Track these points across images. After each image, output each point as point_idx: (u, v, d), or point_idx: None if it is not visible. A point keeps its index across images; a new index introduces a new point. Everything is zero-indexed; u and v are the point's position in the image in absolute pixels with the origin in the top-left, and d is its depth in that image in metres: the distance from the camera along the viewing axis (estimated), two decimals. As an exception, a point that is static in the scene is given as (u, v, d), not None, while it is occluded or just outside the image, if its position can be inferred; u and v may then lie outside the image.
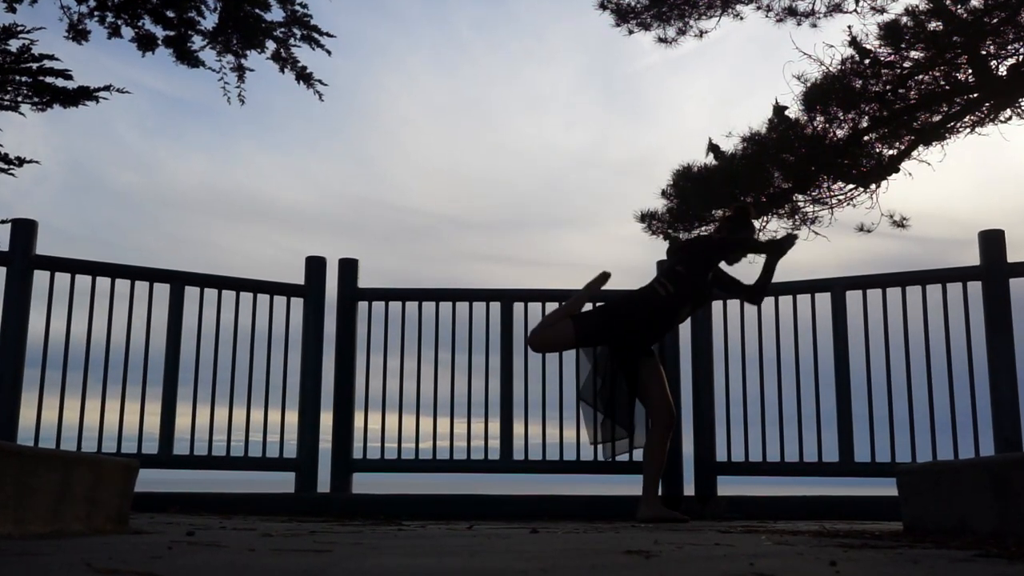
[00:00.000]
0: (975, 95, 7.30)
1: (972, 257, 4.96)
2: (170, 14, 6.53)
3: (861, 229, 7.84)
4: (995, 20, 7.00)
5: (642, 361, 4.45)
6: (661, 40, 8.20)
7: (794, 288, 5.23)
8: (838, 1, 7.75)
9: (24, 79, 6.18)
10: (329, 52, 6.82)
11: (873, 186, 7.66)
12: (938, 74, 7.33)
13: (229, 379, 5.23)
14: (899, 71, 7.33)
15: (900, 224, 7.84)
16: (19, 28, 6.03)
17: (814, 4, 7.84)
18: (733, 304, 5.28)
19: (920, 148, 7.54)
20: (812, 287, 5.20)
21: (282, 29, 6.73)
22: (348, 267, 5.53)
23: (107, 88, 6.40)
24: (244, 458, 5.22)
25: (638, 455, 4.69)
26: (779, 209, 7.79)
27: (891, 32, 7.22)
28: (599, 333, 4.54)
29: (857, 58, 7.38)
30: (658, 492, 4.36)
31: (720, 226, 4.92)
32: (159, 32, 6.64)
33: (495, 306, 5.43)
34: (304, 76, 6.86)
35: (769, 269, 4.68)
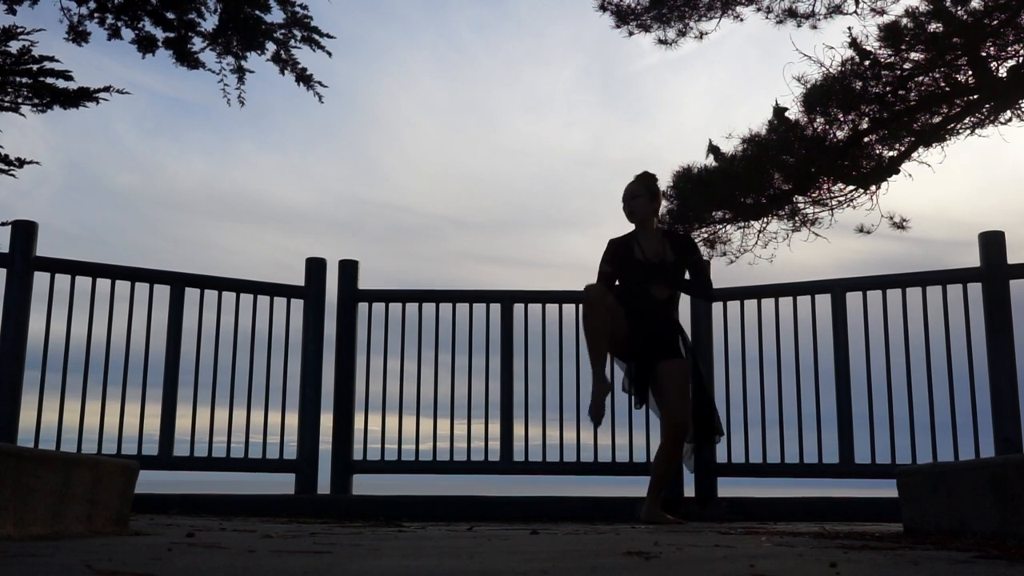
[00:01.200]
0: (975, 97, 7.30)
1: (972, 258, 4.96)
2: (170, 16, 6.54)
3: (861, 230, 7.83)
4: (995, 22, 6.99)
5: (659, 364, 4.31)
6: (661, 41, 8.20)
7: (794, 289, 5.23)
8: (838, 3, 7.75)
9: (24, 80, 6.19)
10: (330, 53, 6.83)
11: (873, 187, 7.65)
12: (938, 76, 7.32)
13: (229, 381, 5.23)
14: (899, 72, 7.32)
15: (900, 225, 7.83)
16: (19, 29, 6.05)
17: (814, 5, 7.84)
18: (733, 305, 5.29)
19: (920, 149, 7.54)
20: (812, 288, 5.19)
21: (282, 31, 6.74)
22: (348, 268, 5.53)
23: (107, 89, 6.41)
24: (244, 460, 5.22)
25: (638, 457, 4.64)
26: (779, 210, 7.79)
27: (891, 33, 7.22)
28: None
29: (857, 59, 7.38)
30: (660, 496, 4.34)
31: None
32: (159, 34, 6.66)
33: (495, 307, 5.44)
34: (304, 78, 6.87)
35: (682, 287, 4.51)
